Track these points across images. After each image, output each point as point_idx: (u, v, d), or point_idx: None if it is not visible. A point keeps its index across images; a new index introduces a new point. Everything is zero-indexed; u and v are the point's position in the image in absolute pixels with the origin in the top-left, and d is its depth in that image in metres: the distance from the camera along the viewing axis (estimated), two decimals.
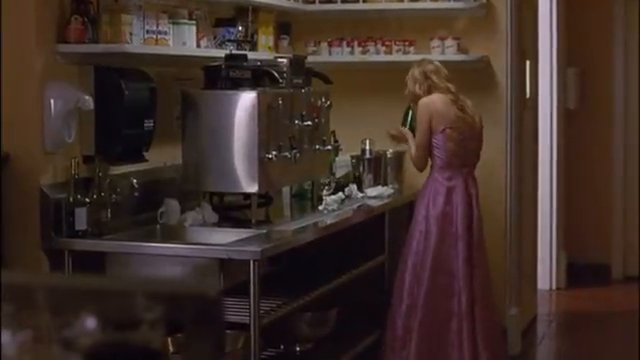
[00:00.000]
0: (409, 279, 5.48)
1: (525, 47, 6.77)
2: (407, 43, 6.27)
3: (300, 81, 5.25)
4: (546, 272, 8.12)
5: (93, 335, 1.08)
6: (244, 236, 4.48)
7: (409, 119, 5.85)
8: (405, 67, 6.33)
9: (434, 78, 5.57)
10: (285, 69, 5.07)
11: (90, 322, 1.08)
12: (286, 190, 5.72)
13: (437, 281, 5.42)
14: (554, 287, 8.29)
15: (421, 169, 5.61)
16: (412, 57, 6.23)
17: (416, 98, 5.60)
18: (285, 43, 6.25)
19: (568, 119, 8.51)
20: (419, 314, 5.39)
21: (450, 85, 5.57)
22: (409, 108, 5.87)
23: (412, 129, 5.74)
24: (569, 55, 8.49)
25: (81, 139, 4.52)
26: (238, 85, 4.87)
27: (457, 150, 5.49)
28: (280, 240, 4.48)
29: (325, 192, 5.45)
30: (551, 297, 8.13)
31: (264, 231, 4.63)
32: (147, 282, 1.08)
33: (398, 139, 5.79)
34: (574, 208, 8.68)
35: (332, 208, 5.32)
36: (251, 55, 5.23)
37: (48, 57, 4.36)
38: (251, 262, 4.11)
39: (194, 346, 1.12)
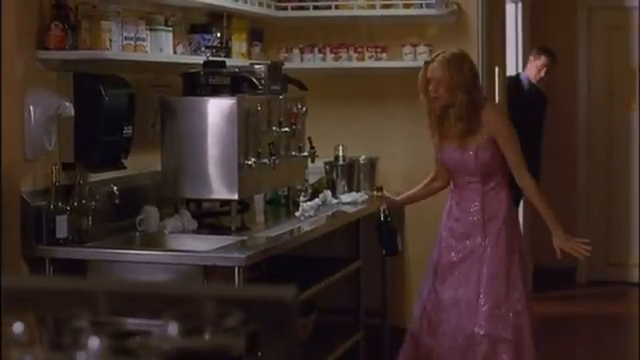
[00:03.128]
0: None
1: (494, 53, 6.82)
2: (379, 49, 6.30)
3: (277, 87, 5.25)
4: None
5: (172, 341, 1.08)
6: (226, 243, 4.47)
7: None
8: (377, 73, 6.38)
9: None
10: (263, 75, 5.08)
11: (170, 328, 1.08)
12: (259, 197, 5.70)
13: None
14: None
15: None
16: (384, 64, 6.28)
17: (473, 106, 4.83)
18: (257, 49, 6.25)
19: None
20: None
21: None
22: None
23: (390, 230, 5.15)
24: None
25: (60, 146, 4.48)
26: (217, 91, 4.87)
27: None
28: (264, 246, 4.48)
29: (302, 198, 5.45)
30: None
31: (245, 238, 4.62)
32: (221, 288, 1.09)
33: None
34: (537, 213, 8.72)
35: (309, 214, 5.32)
36: (227, 62, 5.22)
37: (28, 63, 4.32)
38: (236, 269, 4.11)
39: (269, 351, 1.12)
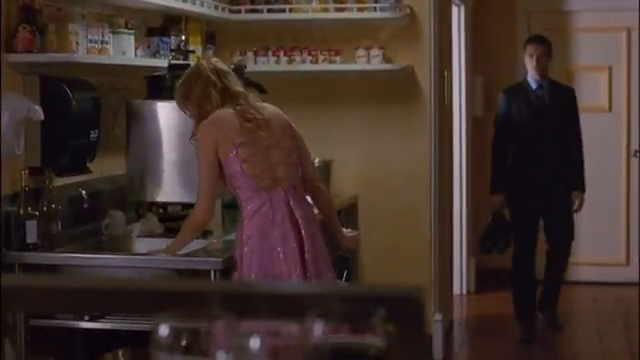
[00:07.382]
0: None
1: (444, 57, 6.89)
2: (333, 53, 6.33)
3: None
4: (457, 277, 8.26)
5: (316, 340, 1.09)
6: (197, 247, 4.46)
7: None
8: (331, 76, 6.42)
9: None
10: None
11: (316, 327, 1.09)
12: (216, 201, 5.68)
13: None
14: (465, 292, 8.44)
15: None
16: (338, 67, 6.31)
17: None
18: (210, 53, 6.24)
19: (474, 126, 8.68)
20: None
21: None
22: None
23: None
24: (475, 64, 8.67)
25: (27, 150, 4.42)
26: None
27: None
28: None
29: None
30: (462, 301, 8.27)
31: (214, 240, 4.61)
32: (351, 286, 1.10)
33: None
34: (479, 215, 8.82)
35: None
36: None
37: None
38: (212, 272, 4.11)
39: (399, 349, 1.14)
